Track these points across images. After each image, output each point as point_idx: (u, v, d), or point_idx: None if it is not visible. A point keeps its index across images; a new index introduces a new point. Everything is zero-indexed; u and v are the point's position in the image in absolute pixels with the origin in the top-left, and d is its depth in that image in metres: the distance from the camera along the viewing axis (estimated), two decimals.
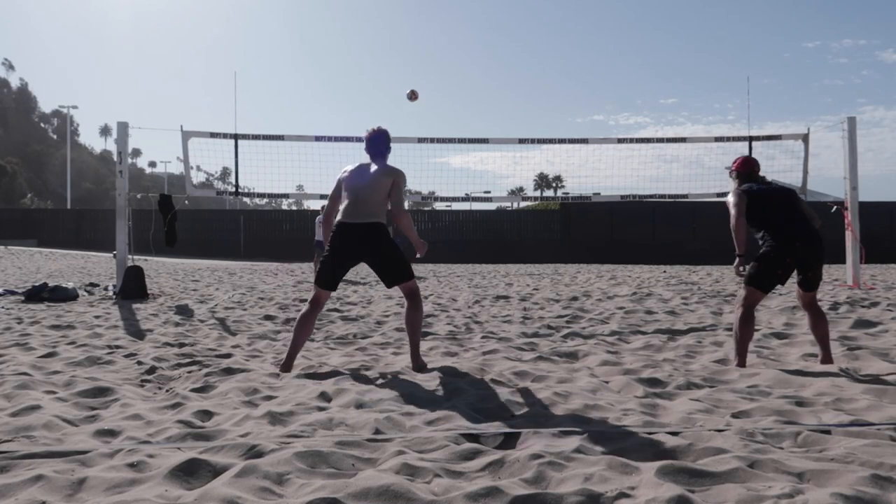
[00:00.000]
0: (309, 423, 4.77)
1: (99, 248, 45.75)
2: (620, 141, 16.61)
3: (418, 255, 7.14)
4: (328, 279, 6.91)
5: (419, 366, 6.79)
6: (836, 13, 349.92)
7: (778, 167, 17.48)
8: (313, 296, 6.98)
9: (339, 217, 6.80)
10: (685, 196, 16.50)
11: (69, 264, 31.83)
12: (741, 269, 6.85)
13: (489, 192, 45.22)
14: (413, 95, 9.33)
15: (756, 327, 7.97)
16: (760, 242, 6.83)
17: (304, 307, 6.95)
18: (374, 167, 6.95)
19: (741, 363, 6.78)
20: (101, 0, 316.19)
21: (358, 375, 6.41)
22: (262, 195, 17.05)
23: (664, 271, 26.77)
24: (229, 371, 6.68)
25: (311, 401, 5.40)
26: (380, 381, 6.17)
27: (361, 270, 27.31)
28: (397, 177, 6.83)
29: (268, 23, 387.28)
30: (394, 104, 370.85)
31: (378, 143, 7.15)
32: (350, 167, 7.06)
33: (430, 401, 5.40)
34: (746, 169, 7.25)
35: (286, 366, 6.75)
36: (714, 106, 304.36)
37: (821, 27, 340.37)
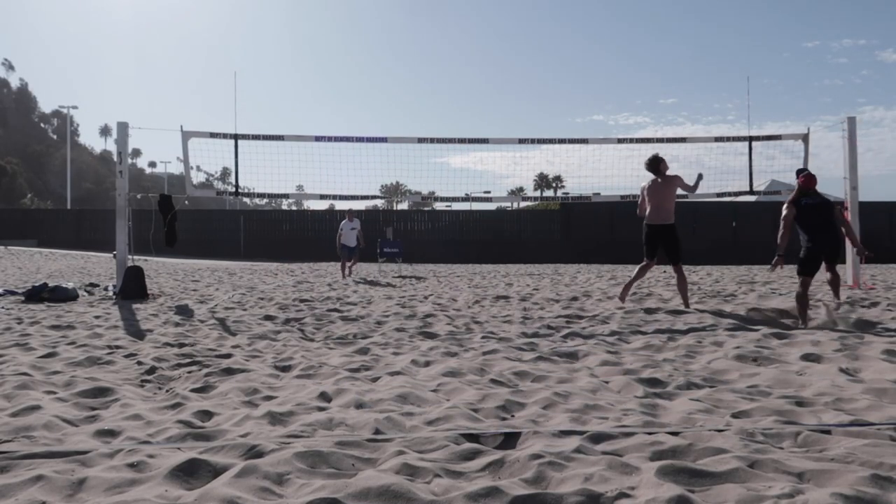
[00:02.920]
0: (309, 423, 4.77)
1: (99, 248, 45.80)
2: (620, 141, 16.62)
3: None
4: None
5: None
6: (836, 13, 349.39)
7: (778, 167, 17.53)
8: None
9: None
10: (685, 196, 16.50)
11: (69, 264, 31.85)
12: (778, 266, 9.87)
13: (489, 192, 45.10)
14: None
15: (757, 328, 9.29)
16: (802, 243, 9.82)
17: None
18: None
19: (804, 324, 9.55)
20: (101, 0, 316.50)
21: (358, 376, 6.42)
22: (261, 195, 17.07)
23: (664, 271, 26.75)
24: (229, 371, 6.68)
25: (310, 401, 5.40)
26: (380, 382, 6.17)
27: (362, 270, 27.34)
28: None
29: (268, 23, 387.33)
30: (393, 104, 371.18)
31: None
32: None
33: (430, 401, 5.41)
34: (806, 185, 10.04)
35: None
36: (714, 106, 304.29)
37: (820, 27, 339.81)
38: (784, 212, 9.97)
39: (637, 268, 12.48)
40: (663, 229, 11.92)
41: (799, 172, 10.32)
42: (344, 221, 23.28)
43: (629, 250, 44.08)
